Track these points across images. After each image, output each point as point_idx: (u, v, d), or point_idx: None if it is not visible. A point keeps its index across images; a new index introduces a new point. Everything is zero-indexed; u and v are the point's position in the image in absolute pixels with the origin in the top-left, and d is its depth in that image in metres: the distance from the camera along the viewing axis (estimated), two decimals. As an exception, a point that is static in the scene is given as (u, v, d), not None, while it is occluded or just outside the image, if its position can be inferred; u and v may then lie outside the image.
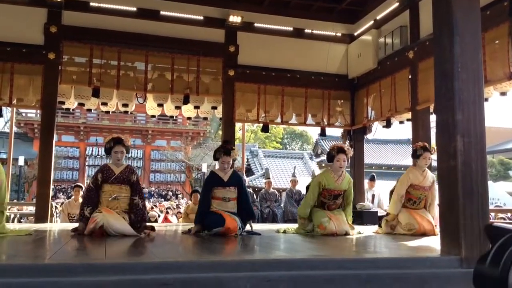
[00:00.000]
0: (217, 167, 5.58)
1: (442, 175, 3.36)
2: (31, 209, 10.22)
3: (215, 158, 5.44)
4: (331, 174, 5.54)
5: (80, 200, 8.75)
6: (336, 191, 5.54)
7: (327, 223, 5.29)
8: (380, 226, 6.19)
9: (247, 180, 11.64)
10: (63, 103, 8.20)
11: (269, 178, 11.15)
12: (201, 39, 8.29)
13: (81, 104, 8.58)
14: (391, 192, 6.13)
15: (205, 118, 10.24)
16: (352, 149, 9.30)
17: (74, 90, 8.18)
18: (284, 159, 26.29)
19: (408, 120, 8.14)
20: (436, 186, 5.67)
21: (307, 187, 6.01)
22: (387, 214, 5.92)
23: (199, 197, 9.37)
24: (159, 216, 12.59)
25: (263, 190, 10.82)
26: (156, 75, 8.21)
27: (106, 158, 5.40)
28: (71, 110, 9.74)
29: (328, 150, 5.77)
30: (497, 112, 62.64)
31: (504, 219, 10.82)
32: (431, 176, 5.88)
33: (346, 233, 5.29)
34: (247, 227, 5.35)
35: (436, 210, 6.28)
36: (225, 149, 5.39)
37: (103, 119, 30.44)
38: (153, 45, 8.06)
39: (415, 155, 5.90)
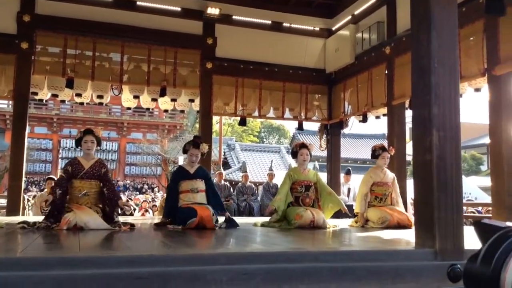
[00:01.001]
0: (184, 162, 5.67)
1: (417, 169, 3.40)
2: (2, 202, 9.99)
3: (184, 151, 5.56)
4: (298, 168, 5.96)
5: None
6: (306, 181, 5.79)
7: (303, 212, 5.37)
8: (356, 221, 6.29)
9: (224, 173, 11.60)
10: (36, 94, 8.02)
11: (246, 171, 11.17)
12: (179, 31, 8.20)
13: (54, 95, 8.41)
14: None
15: (182, 111, 10.16)
16: (328, 143, 9.45)
17: (47, 81, 8.00)
18: (261, 152, 26.32)
19: (384, 115, 8.23)
20: (397, 184, 6.20)
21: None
22: (356, 214, 6.11)
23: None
24: (134, 209, 12.48)
25: (240, 183, 10.82)
26: (132, 67, 8.08)
27: (80, 151, 5.22)
28: (44, 101, 9.54)
29: (291, 149, 6.23)
30: (470, 108, 63.94)
31: (474, 212, 11.06)
32: (391, 174, 6.28)
33: (324, 223, 5.35)
34: (223, 219, 5.32)
35: (409, 207, 6.47)
36: (195, 142, 5.50)
37: (77, 110, 29.96)
38: (129, 36, 7.93)
39: (374, 155, 6.26)
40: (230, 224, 5.23)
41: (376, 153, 6.24)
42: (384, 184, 6.10)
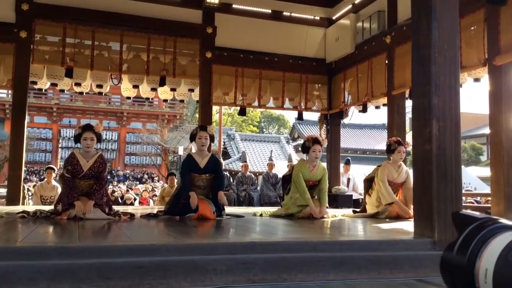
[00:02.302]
0: (193, 150, 5.50)
1: (417, 159, 3.40)
2: (2, 191, 10.00)
3: (192, 137, 5.26)
4: (307, 165, 5.51)
5: (53, 182, 8.64)
6: (311, 181, 5.54)
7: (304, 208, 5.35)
8: (354, 211, 6.27)
9: (223, 163, 11.61)
10: (35, 83, 8.00)
11: (245, 161, 11.16)
12: (178, 20, 8.15)
13: (53, 85, 8.39)
14: (366, 181, 6.19)
15: (182, 101, 10.15)
16: (328, 134, 9.45)
17: (46, 70, 7.98)
18: (261, 142, 26.33)
19: (384, 105, 8.21)
20: (411, 179, 5.06)
21: (284, 178, 6.05)
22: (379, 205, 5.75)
23: (175, 180, 9.36)
24: (135, 199, 12.52)
25: (239, 173, 10.83)
26: (132, 56, 8.05)
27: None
28: (43, 90, 9.52)
29: (303, 141, 5.73)
30: (470, 98, 63.85)
31: (473, 202, 11.09)
32: (405, 171, 5.85)
33: (322, 216, 5.34)
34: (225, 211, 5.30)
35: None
36: (201, 125, 5.38)
37: (77, 100, 29.93)
38: (128, 24, 7.89)
39: (390, 150, 5.84)
40: (235, 216, 5.24)
41: (392, 147, 5.79)
42: (394, 184, 5.78)
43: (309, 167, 5.50)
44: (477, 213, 0.76)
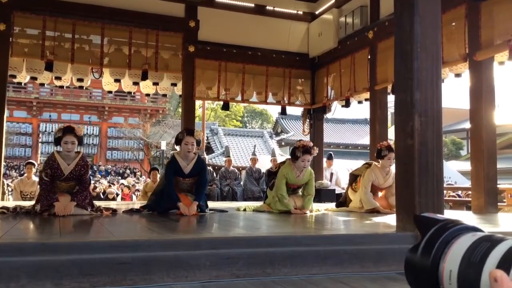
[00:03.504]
0: (177, 148, 5.28)
1: (399, 154, 3.43)
2: (-20, 187, 9.81)
3: (177, 141, 4.96)
4: (294, 170, 5.32)
5: (33, 177, 8.51)
6: (296, 185, 5.48)
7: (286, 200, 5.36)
8: (337, 206, 6.32)
9: (207, 158, 11.56)
10: (14, 76, 7.85)
11: (229, 156, 11.13)
12: (160, 13, 8.06)
13: (33, 78, 8.23)
14: (352, 175, 6.23)
15: (165, 95, 10.08)
16: (311, 128, 9.48)
17: (26, 63, 7.83)
18: (244, 137, 26.32)
19: (366, 100, 8.26)
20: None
21: (269, 172, 6.00)
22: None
23: (158, 175, 9.30)
24: (117, 194, 12.41)
25: (223, 168, 10.81)
26: (113, 49, 7.94)
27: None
28: (23, 84, 9.34)
29: (293, 147, 5.42)
30: (451, 93, 64.71)
31: (455, 196, 11.27)
32: (392, 177, 5.60)
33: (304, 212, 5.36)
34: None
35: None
36: (188, 129, 5.02)
37: (57, 94, 29.55)
38: (109, 17, 7.77)
39: (380, 155, 5.68)
40: (217, 210, 5.22)
41: (382, 153, 5.63)
42: (379, 188, 5.77)
43: (295, 173, 5.34)
44: (438, 215, 0.79)
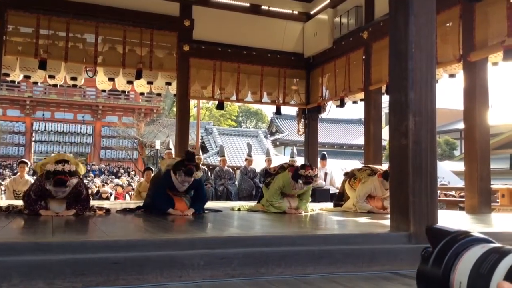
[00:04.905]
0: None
1: (393, 153, 3.44)
2: (-27, 186, 9.76)
3: (176, 170, 4.66)
4: (291, 184, 5.27)
5: (26, 176, 8.47)
6: (291, 195, 5.46)
7: (280, 201, 5.36)
8: (334, 205, 6.33)
9: (201, 157, 11.54)
10: (7, 75, 7.81)
11: (223, 155, 11.10)
12: (155, 12, 8.03)
13: (27, 77, 8.19)
14: (346, 174, 6.28)
15: (159, 94, 10.03)
16: (306, 128, 9.48)
17: (19, 62, 7.79)
18: (239, 137, 26.31)
19: (361, 100, 8.28)
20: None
21: (267, 171, 5.98)
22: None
23: (152, 175, 9.26)
24: (111, 194, 12.36)
25: (217, 167, 10.78)
26: (107, 48, 7.91)
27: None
28: (16, 82, 9.28)
29: (298, 170, 5.24)
30: (444, 94, 65.02)
31: (449, 196, 11.30)
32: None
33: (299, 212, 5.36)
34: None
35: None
36: (188, 169, 4.60)
37: (51, 93, 29.39)
38: (103, 16, 7.72)
39: (386, 177, 5.28)
40: (212, 210, 5.21)
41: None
42: (374, 197, 5.73)
43: (292, 186, 5.29)
44: (449, 227, 0.81)
